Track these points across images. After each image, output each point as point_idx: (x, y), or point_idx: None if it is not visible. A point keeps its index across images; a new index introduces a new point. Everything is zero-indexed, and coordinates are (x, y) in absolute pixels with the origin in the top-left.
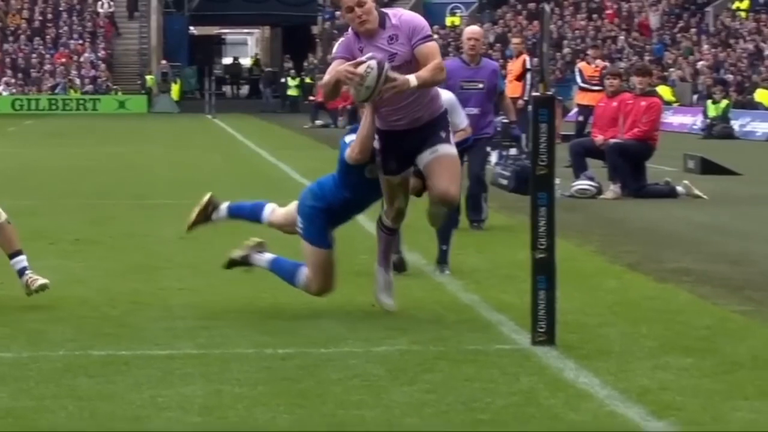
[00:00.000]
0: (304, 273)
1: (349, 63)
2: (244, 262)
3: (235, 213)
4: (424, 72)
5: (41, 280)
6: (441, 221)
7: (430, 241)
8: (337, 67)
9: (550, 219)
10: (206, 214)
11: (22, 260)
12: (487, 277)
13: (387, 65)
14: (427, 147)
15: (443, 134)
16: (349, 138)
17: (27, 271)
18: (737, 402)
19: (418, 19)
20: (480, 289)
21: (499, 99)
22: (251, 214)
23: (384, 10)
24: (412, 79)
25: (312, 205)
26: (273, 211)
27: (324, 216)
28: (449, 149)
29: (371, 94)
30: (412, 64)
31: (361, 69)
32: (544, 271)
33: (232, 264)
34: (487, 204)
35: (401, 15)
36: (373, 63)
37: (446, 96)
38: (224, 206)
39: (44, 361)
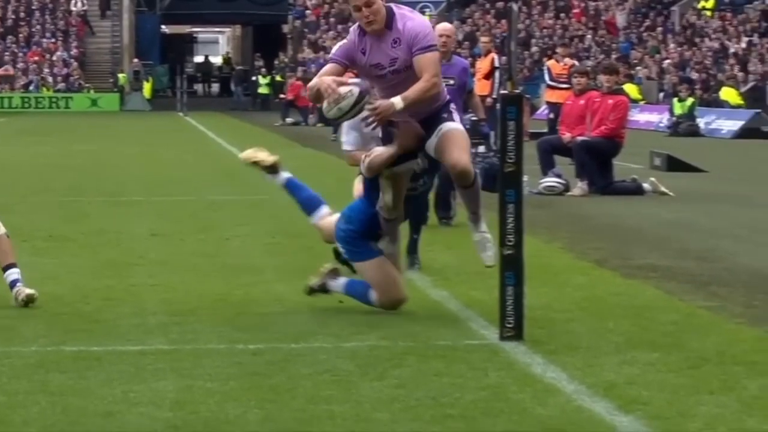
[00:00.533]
0: (373, 292)
1: (336, 79)
2: (322, 289)
3: (290, 189)
4: (411, 92)
5: (27, 291)
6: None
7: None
8: (324, 76)
9: (518, 216)
10: (267, 169)
11: (15, 273)
12: (456, 273)
13: (368, 97)
14: (432, 132)
15: (445, 115)
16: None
17: (18, 284)
18: (703, 396)
19: (421, 27)
20: (449, 286)
21: (467, 97)
22: (304, 202)
23: (394, 9)
24: (398, 101)
25: (345, 228)
26: (324, 216)
27: (359, 236)
28: (453, 125)
29: (341, 116)
30: (413, 69)
31: (343, 89)
32: (512, 268)
33: (311, 291)
34: (456, 201)
35: (406, 21)
36: (356, 90)
37: None
38: (285, 175)
39: (16, 356)
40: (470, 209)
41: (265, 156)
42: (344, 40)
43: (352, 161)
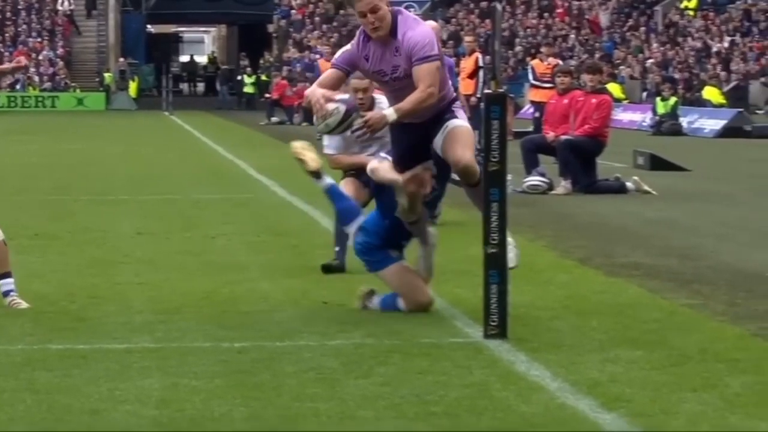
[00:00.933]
0: (400, 299)
1: (326, 94)
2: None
3: (331, 195)
4: (406, 103)
5: (23, 305)
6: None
7: None
8: (319, 86)
9: (502, 214)
10: (310, 174)
11: (9, 283)
12: (441, 271)
13: (355, 114)
14: (438, 131)
15: (450, 114)
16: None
17: (12, 293)
18: (685, 394)
19: (420, 37)
20: (434, 284)
21: None
22: (342, 212)
23: (398, 16)
24: (390, 113)
25: (362, 241)
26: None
27: (376, 246)
28: (458, 122)
29: (328, 131)
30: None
31: (330, 106)
32: (496, 266)
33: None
34: (442, 201)
35: (407, 30)
36: (342, 108)
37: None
38: (328, 181)
39: (3, 355)
40: (481, 209)
41: (311, 158)
42: (348, 45)
43: (333, 164)
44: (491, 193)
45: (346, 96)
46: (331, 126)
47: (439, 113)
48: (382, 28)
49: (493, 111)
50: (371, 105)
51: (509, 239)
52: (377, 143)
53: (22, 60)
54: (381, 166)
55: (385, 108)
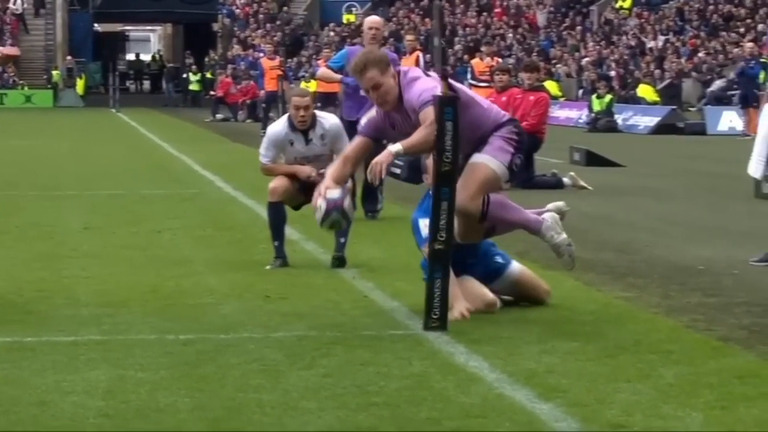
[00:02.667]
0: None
1: (325, 184)
2: None
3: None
4: (412, 139)
5: None
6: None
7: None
8: (330, 172)
9: (450, 213)
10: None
11: None
12: (382, 265)
13: (335, 214)
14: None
15: (481, 146)
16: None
17: None
18: (620, 384)
19: (419, 90)
20: (375, 277)
21: None
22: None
23: (402, 78)
24: (396, 148)
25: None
26: None
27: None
28: (478, 157)
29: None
30: None
31: (318, 201)
32: (441, 262)
33: None
34: (382, 195)
35: (406, 91)
36: (323, 206)
37: (333, 121)
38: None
39: None
40: (525, 229)
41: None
42: (372, 112)
43: (265, 173)
44: (442, 192)
45: (336, 193)
46: (318, 219)
47: (478, 142)
48: (387, 102)
49: (446, 113)
50: (313, 122)
51: (557, 239)
52: (324, 162)
53: (15, 49)
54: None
55: (326, 124)
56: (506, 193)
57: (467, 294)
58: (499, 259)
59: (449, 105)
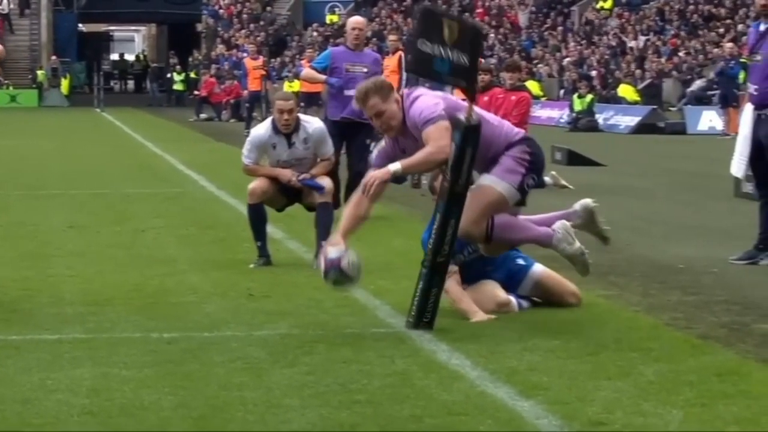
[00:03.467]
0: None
1: (331, 242)
2: None
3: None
4: (413, 159)
5: None
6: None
7: (309, 229)
8: (343, 224)
9: (455, 231)
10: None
11: None
12: (365, 263)
13: (333, 272)
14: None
15: (492, 166)
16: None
17: None
18: (600, 382)
19: (419, 109)
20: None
21: None
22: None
23: (405, 102)
24: (396, 167)
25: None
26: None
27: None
28: (484, 180)
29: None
30: None
31: (319, 258)
32: (440, 273)
33: None
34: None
35: (408, 113)
36: (321, 266)
37: (317, 125)
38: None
39: None
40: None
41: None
42: (382, 143)
43: (247, 173)
44: (452, 211)
45: (334, 253)
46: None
47: (490, 160)
48: (392, 128)
49: (470, 139)
50: (297, 126)
51: (571, 249)
52: (307, 167)
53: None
54: (453, 289)
55: (309, 128)
56: (518, 209)
57: (480, 296)
58: (520, 261)
59: (473, 132)
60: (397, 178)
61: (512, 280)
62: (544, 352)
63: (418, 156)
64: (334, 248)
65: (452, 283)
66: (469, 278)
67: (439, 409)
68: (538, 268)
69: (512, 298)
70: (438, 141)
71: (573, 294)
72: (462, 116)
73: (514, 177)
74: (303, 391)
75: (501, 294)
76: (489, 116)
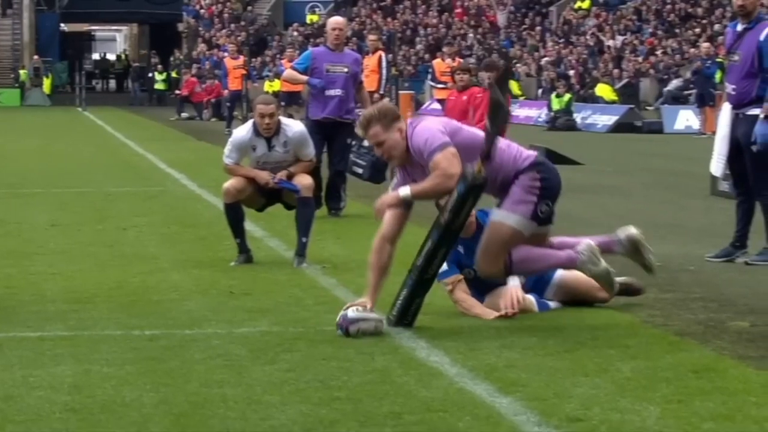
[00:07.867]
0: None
1: (350, 305)
2: None
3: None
4: (420, 186)
5: None
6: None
7: (289, 228)
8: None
9: (444, 257)
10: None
11: None
12: (345, 261)
13: (340, 329)
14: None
15: (504, 195)
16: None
17: None
18: (578, 378)
19: (422, 138)
20: (337, 273)
21: (357, 88)
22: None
23: (408, 133)
24: (405, 192)
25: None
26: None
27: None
28: (495, 215)
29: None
30: None
31: (339, 315)
32: (426, 288)
33: None
34: (346, 193)
35: (410, 143)
36: (337, 322)
37: (298, 128)
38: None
39: None
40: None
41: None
42: (395, 178)
43: (228, 172)
44: (444, 242)
45: (352, 316)
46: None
47: (506, 183)
48: (394, 157)
49: (473, 193)
50: (278, 129)
51: (597, 268)
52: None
53: None
54: (462, 298)
55: (289, 132)
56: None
57: (498, 300)
58: None
59: (477, 189)
60: (376, 177)
61: (539, 286)
62: (522, 349)
63: (428, 184)
64: (354, 310)
65: (459, 294)
66: (491, 286)
67: (419, 406)
68: (562, 270)
69: (531, 297)
70: (447, 169)
71: (600, 289)
72: (470, 169)
73: (525, 207)
74: (283, 387)
75: (519, 293)
76: (499, 140)
